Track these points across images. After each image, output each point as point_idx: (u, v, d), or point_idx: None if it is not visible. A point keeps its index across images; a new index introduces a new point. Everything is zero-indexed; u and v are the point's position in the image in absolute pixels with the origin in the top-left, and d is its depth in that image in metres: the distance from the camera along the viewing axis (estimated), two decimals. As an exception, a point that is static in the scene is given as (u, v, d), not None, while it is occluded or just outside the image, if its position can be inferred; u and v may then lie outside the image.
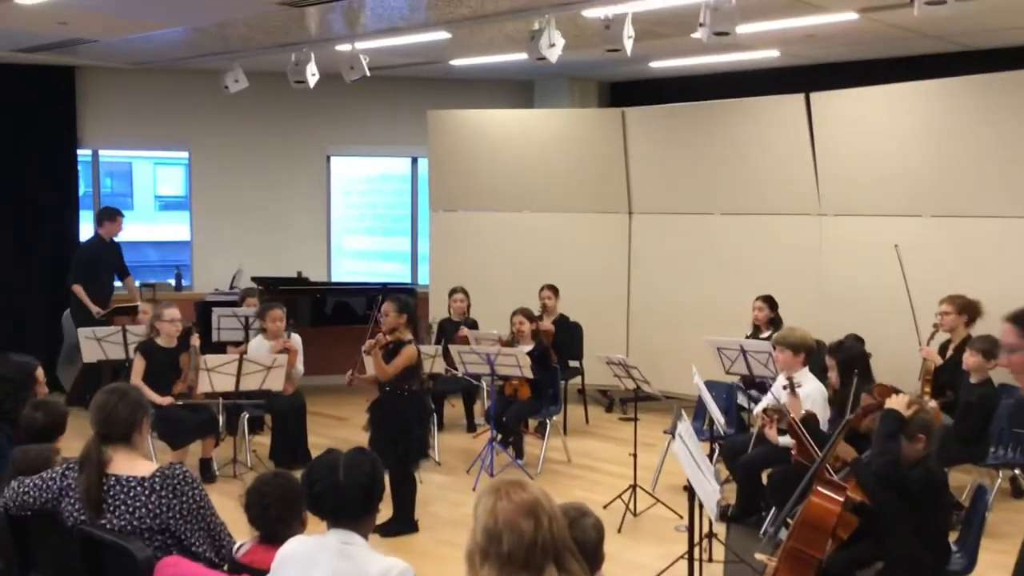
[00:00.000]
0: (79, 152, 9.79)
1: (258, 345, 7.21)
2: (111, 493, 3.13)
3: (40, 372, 4.29)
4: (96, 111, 9.75)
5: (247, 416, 7.11)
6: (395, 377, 5.49)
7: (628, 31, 5.92)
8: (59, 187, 9.57)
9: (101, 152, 10.28)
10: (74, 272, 8.59)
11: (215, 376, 6.50)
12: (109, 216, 8.79)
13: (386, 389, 5.53)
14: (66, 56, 8.70)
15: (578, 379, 8.59)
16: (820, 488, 4.04)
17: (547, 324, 8.16)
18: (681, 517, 5.71)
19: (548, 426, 7.28)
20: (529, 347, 7.24)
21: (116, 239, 8.86)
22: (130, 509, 3.11)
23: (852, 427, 4.39)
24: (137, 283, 9.48)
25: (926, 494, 3.91)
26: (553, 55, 6.21)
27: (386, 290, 9.76)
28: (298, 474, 2.95)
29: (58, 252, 9.32)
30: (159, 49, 8.27)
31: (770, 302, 7.33)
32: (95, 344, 7.35)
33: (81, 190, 10.18)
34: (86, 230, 9.85)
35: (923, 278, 6.90)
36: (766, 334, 7.11)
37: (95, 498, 3.09)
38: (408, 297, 5.82)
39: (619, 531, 5.79)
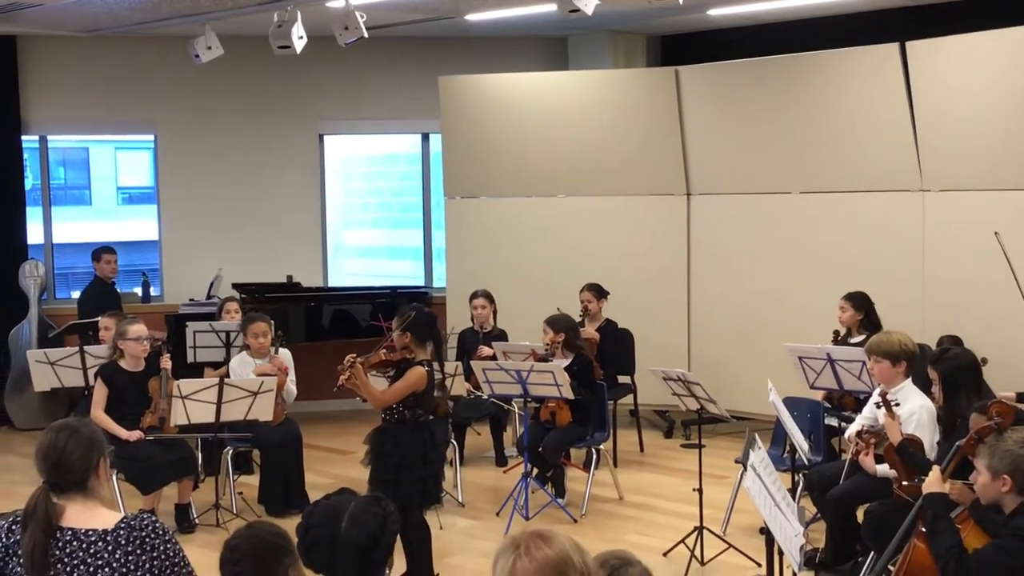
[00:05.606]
0: (24, 139, 9.91)
1: (241, 364, 7.26)
2: (67, 551, 3.16)
3: None
4: (43, 89, 9.86)
5: (231, 452, 7.16)
6: (397, 404, 5.47)
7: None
8: (0, 179, 9.69)
9: (51, 137, 10.41)
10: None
11: (191, 405, 6.54)
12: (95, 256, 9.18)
13: (388, 415, 5.54)
14: (4, 24, 8.81)
15: (629, 398, 8.58)
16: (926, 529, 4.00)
17: (590, 332, 8.15)
18: (759, 565, 5.68)
19: (595, 457, 7.28)
20: (567, 361, 7.24)
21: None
22: (90, 569, 3.14)
23: (965, 455, 4.34)
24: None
25: None
26: (589, 5, 6.20)
27: (395, 295, 9.84)
28: (293, 522, 2.96)
29: (2, 256, 9.46)
30: (116, 12, 8.35)
31: (856, 300, 7.25)
32: (47, 369, 7.43)
33: (28, 182, 10.31)
34: (35, 230, 9.99)
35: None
36: (859, 339, 7.05)
37: (40, 562, 3.12)
38: (421, 307, 5.81)
39: (683, 583, 5.78)
